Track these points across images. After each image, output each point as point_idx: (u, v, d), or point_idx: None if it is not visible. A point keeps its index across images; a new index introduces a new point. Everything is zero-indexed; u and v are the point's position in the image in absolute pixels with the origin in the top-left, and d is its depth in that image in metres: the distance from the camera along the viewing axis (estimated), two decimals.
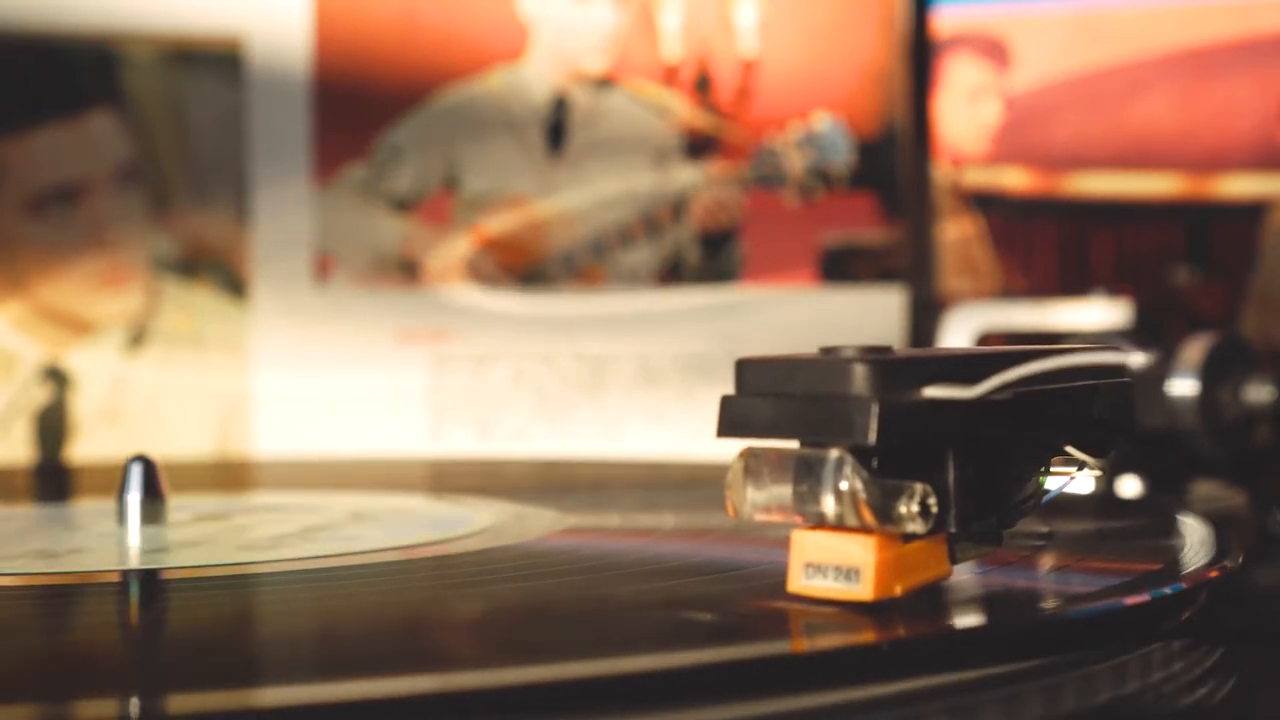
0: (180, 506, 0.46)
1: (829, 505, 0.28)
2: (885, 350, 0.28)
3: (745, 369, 0.29)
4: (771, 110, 0.75)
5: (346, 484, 0.58)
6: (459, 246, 0.72)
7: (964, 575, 0.31)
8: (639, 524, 0.46)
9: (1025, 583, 0.32)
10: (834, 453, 0.28)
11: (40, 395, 0.69)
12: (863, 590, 0.28)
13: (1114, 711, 0.28)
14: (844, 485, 0.27)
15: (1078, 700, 0.28)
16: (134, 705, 0.23)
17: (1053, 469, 0.31)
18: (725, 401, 0.29)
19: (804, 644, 0.27)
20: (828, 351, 0.28)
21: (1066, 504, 0.41)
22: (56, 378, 0.69)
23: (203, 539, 0.41)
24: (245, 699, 0.24)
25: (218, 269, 0.70)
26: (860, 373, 0.27)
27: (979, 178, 0.81)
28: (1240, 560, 0.34)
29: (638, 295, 0.74)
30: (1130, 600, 0.30)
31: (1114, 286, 0.73)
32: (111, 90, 0.69)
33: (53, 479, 0.65)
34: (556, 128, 0.74)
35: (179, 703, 0.23)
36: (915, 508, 0.27)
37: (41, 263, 0.69)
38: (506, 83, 0.73)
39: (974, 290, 0.80)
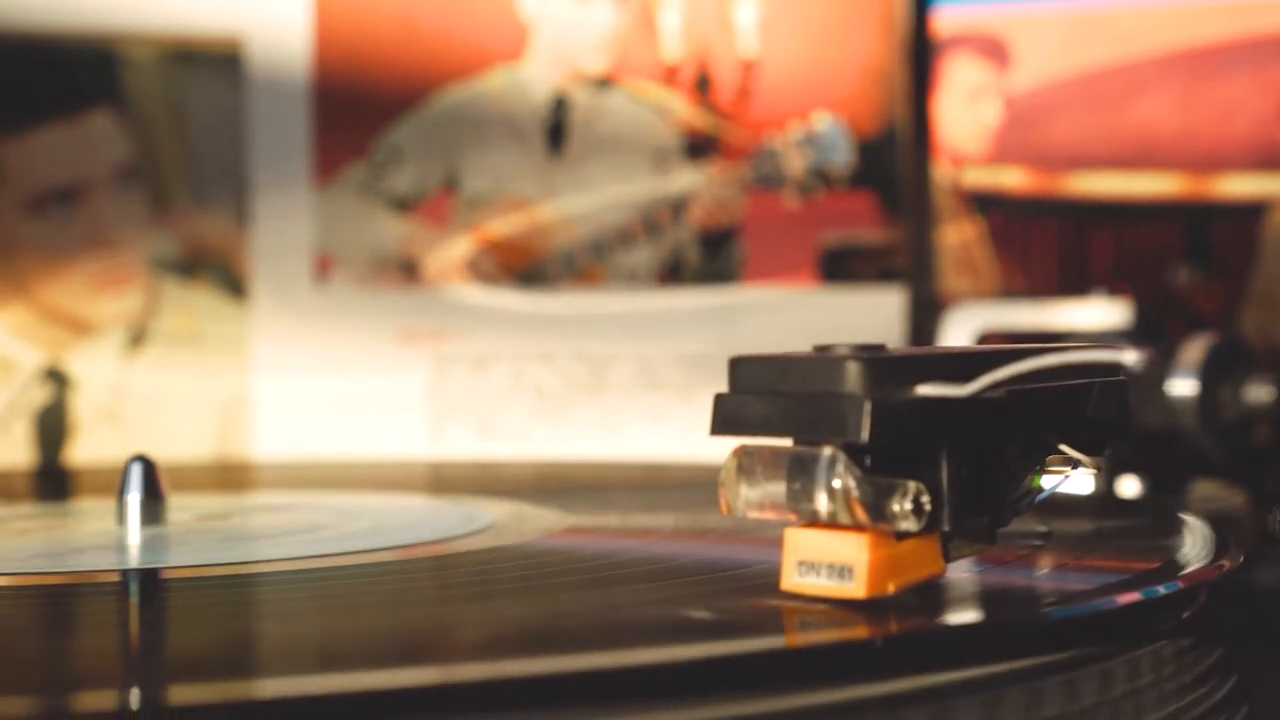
0: (180, 506, 0.46)
1: (822, 503, 0.28)
2: (878, 348, 0.28)
3: (739, 367, 0.29)
4: (771, 110, 0.75)
5: (346, 484, 0.58)
6: (459, 246, 0.73)
7: (960, 574, 0.31)
8: (638, 524, 0.46)
9: (1022, 581, 0.32)
10: (827, 451, 0.28)
11: (40, 396, 0.69)
12: (856, 588, 0.28)
13: (1112, 711, 0.28)
14: (837, 483, 0.28)
15: (1074, 699, 0.28)
16: (134, 696, 0.23)
17: (1047, 468, 0.31)
18: (719, 399, 0.29)
19: (797, 640, 0.27)
20: (821, 350, 0.28)
21: (1065, 504, 0.41)
22: (56, 378, 0.69)
23: (203, 539, 0.41)
24: (243, 692, 0.24)
25: (218, 269, 0.70)
26: (853, 371, 0.27)
27: (979, 178, 0.81)
28: (1240, 560, 0.34)
29: (638, 295, 0.74)
30: (1128, 599, 0.30)
31: (1114, 286, 0.73)
32: (111, 90, 0.70)
33: (53, 480, 0.65)
34: (556, 128, 0.74)
35: (178, 697, 0.23)
36: (908, 506, 0.27)
37: (41, 263, 0.69)
38: (506, 83, 0.73)
39: (974, 290, 0.80)
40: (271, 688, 0.24)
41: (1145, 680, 0.29)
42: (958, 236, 0.80)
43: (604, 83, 0.74)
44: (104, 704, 0.23)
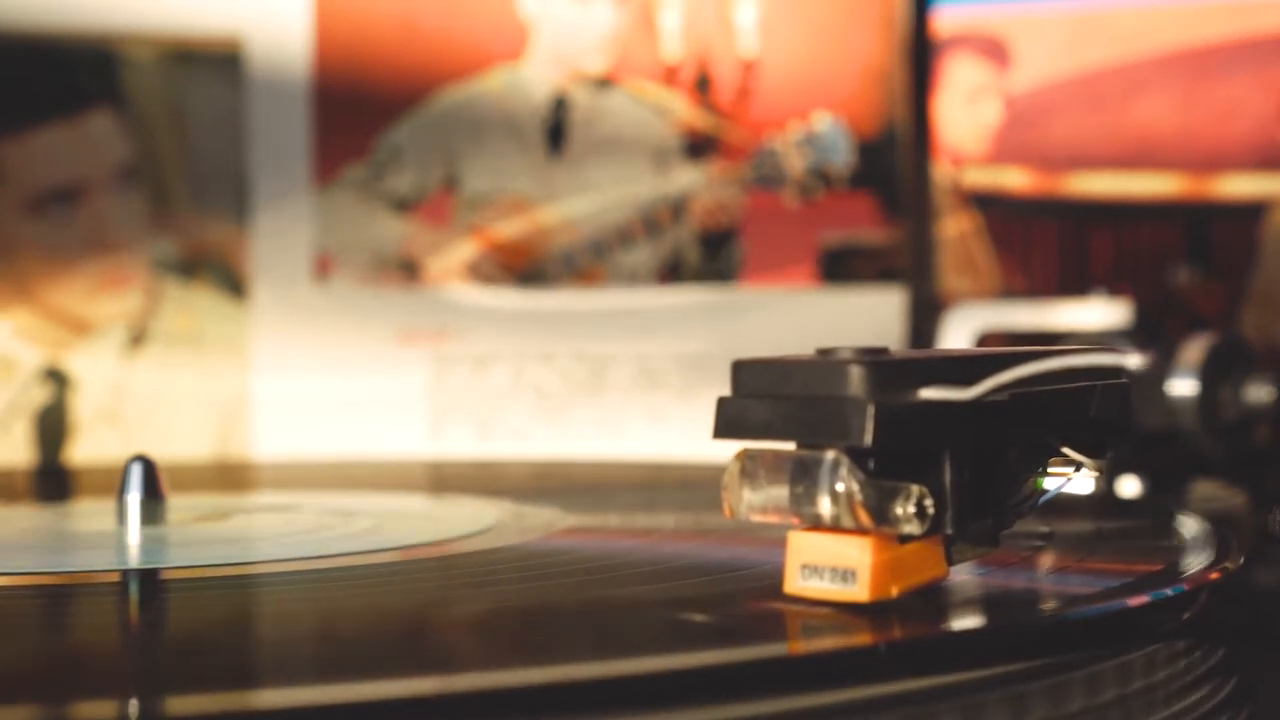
0: (180, 506, 0.46)
1: (825, 507, 0.28)
2: (881, 351, 0.28)
3: (742, 370, 0.29)
4: (771, 110, 0.75)
5: (346, 484, 0.58)
6: (459, 247, 0.73)
7: (963, 576, 0.31)
8: (638, 524, 0.46)
9: (1024, 584, 0.32)
10: (830, 454, 0.28)
11: (40, 396, 0.69)
12: (859, 592, 0.28)
13: (1114, 712, 0.28)
14: (840, 487, 0.27)
15: (1076, 701, 0.28)
16: (133, 706, 0.23)
17: (1050, 470, 0.31)
18: (722, 403, 0.29)
19: (801, 645, 0.27)
20: (824, 353, 0.28)
21: (1066, 504, 0.41)
22: (57, 378, 0.69)
23: (202, 539, 0.41)
24: (244, 700, 0.24)
25: (218, 269, 0.70)
26: (856, 374, 0.27)
27: (979, 178, 0.81)
28: (1240, 560, 0.34)
29: (638, 295, 0.74)
30: (1131, 601, 0.30)
31: (1114, 286, 0.73)
32: (111, 90, 0.70)
33: (53, 479, 0.65)
34: (556, 128, 0.74)
35: (178, 704, 0.23)
36: (911, 509, 0.27)
37: (41, 263, 0.69)
38: (506, 83, 0.73)
39: (974, 290, 0.80)
40: (270, 695, 0.24)
41: (1146, 681, 0.29)
42: (956, 229, 0.80)
43: (604, 83, 0.74)
44: (102, 708, 0.23)
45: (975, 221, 0.81)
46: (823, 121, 0.75)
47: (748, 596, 0.31)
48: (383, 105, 0.72)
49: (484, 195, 0.73)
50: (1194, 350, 0.61)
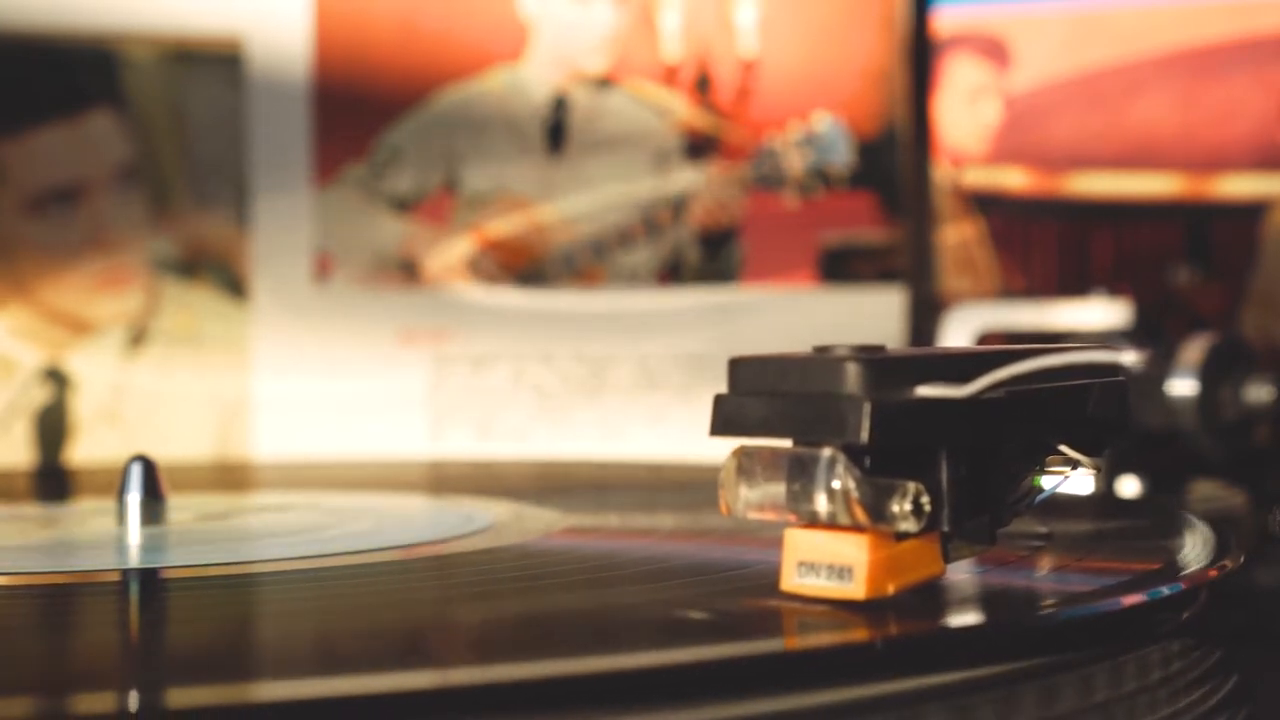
0: (180, 506, 0.46)
1: (821, 504, 0.28)
2: (878, 349, 0.28)
3: (738, 368, 0.29)
4: (771, 110, 0.75)
5: (346, 484, 0.58)
6: (459, 246, 0.73)
7: (960, 574, 0.31)
8: (638, 524, 0.46)
9: (1022, 582, 0.32)
10: (826, 451, 0.28)
11: (40, 396, 0.69)
12: (855, 589, 0.28)
13: (1112, 711, 0.28)
14: (836, 484, 0.28)
15: (1075, 700, 0.28)
16: (133, 700, 0.23)
17: (1047, 468, 0.31)
18: (718, 400, 0.29)
19: (797, 641, 0.27)
20: (821, 350, 0.28)
21: (1064, 504, 0.41)
22: (56, 378, 0.69)
23: (202, 539, 0.41)
24: (244, 693, 0.24)
25: (218, 269, 0.70)
26: (853, 372, 0.27)
27: (979, 178, 0.81)
28: (1240, 560, 0.34)
29: (638, 295, 0.74)
30: (1128, 600, 0.30)
31: (1114, 286, 0.73)
32: (111, 90, 0.70)
33: (53, 480, 0.65)
34: (556, 128, 0.74)
35: (178, 696, 0.23)
36: (908, 506, 0.27)
37: (41, 263, 0.69)
38: (506, 83, 0.73)
39: (974, 290, 0.80)
40: (271, 690, 0.24)
41: (1145, 681, 0.29)
42: (958, 236, 0.80)
43: (604, 83, 0.74)
44: (103, 706, 0.23)
45: (977, 225, 0.81)
46: (823, 121, 0.75)
47: (745, 594, 0.31)
48: (383, 105, 0.72)
49: (484, 195, 0.73)
50: (1194, 350, 0.61)
